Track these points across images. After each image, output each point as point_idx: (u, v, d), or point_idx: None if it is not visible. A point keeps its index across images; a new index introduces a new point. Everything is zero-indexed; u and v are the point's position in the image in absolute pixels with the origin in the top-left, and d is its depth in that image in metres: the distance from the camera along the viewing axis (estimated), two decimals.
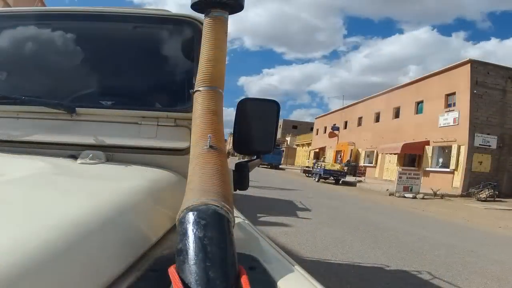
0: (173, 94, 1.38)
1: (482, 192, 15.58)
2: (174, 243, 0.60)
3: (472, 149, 17.16)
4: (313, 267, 4.00)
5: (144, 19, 1.39)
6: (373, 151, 25.67)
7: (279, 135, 49.53)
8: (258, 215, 7.01)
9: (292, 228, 6.23)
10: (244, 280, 0.54)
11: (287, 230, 5.97)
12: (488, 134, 17.39)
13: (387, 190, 15.81)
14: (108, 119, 1.19)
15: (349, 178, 21.90)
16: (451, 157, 17.96)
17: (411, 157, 21.31)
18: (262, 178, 15.52)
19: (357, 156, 28.33)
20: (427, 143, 19.78)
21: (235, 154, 32.17)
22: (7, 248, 0.43)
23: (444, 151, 19.01)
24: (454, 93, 18.58)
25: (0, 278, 0.39)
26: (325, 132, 36.00)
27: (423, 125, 20.18)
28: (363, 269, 4.28)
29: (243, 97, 1.28)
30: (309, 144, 42.38)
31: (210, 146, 0.80)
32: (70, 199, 0.68)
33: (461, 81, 17.79)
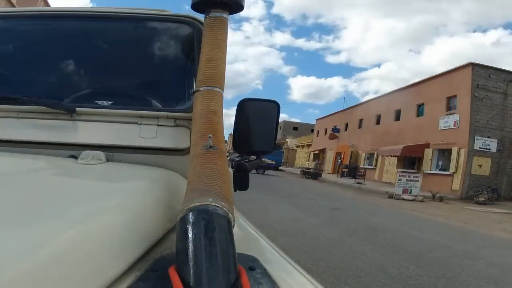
0: (173, 94, 1.38)
1: (481, 195, 15.58)
2: (174, 243, 0.60)
3: (472, 152, 17.16)
4: (312, 268, 4.00)
5: (144, 19, 1.39)
6: (373, 153, 25.67)
7: (279, 136, 49.48)
8: None
9: (291, 229, 6.23)
10: (244, 280, 0.54)
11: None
12: (488, 137, 17.39)
13: (387, 192, 15.81)
14: (108, 119, 1.19)
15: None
16: (451, 160, 17.96)
17: (411, 160, 21.30)
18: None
19: (357, 158, 28.33)
20: (427, 145, 19.77)
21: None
22: (7, 248, 0.43)
23: (444, 154, 19.01)
24: (455, 96, 18.58)
25: (0, 278, 0.39)
26: (325, 134, 36.00)
27: (424, 128, 20.17)
28: (361, 270, 4.28)
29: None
30: (309, 146, 42.36)
31: (210, 146, 0.80)
32: (70, 199, 0.68)
33: (462, 84, 17.79)
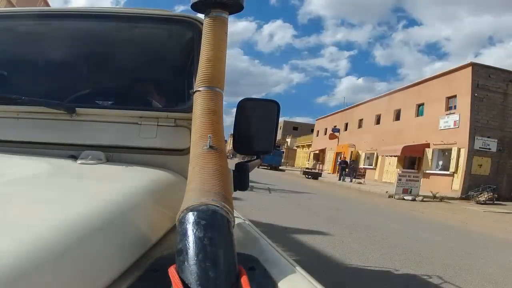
0: (173, 94, 1.38)
1: (481, 195, 15.57)
2: (174, 243, 0.60)
3: (472, 152, 17.16)
4: (311, 267, 3.99)
5: (144, 19, 1.39)
6: (373, 153, 25.67)
7: (279, 136, 49.48)
8: None
9: (291, 233, 6.23)
10: (244, 280, 0.54)
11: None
12: (488, 137, 17.39)
13: (387, 192, 15.79)
14: (108, 119, 1.19)
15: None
16: (451, 160, 17.96)
17: (411, 160, 21.30)
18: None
19: (357, 158, 28.32)
20: (427, 145, 19.78)
21: (236, 155, 32.14)
22: (7, 248, 0.43)
23: (444, 154, 19.02)
24: (455, 96, 18.58)
25: (0, 278, 0.39)
26: (325, 134, 35.97)
27: (424, 128, 20.18)
28: (361, 270, 4.28)
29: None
30: (309, 146, 42.35)
31: (210, 146, 0.80)
32: (70, 199, 0.68)
33: (462, 84, 17.79)
